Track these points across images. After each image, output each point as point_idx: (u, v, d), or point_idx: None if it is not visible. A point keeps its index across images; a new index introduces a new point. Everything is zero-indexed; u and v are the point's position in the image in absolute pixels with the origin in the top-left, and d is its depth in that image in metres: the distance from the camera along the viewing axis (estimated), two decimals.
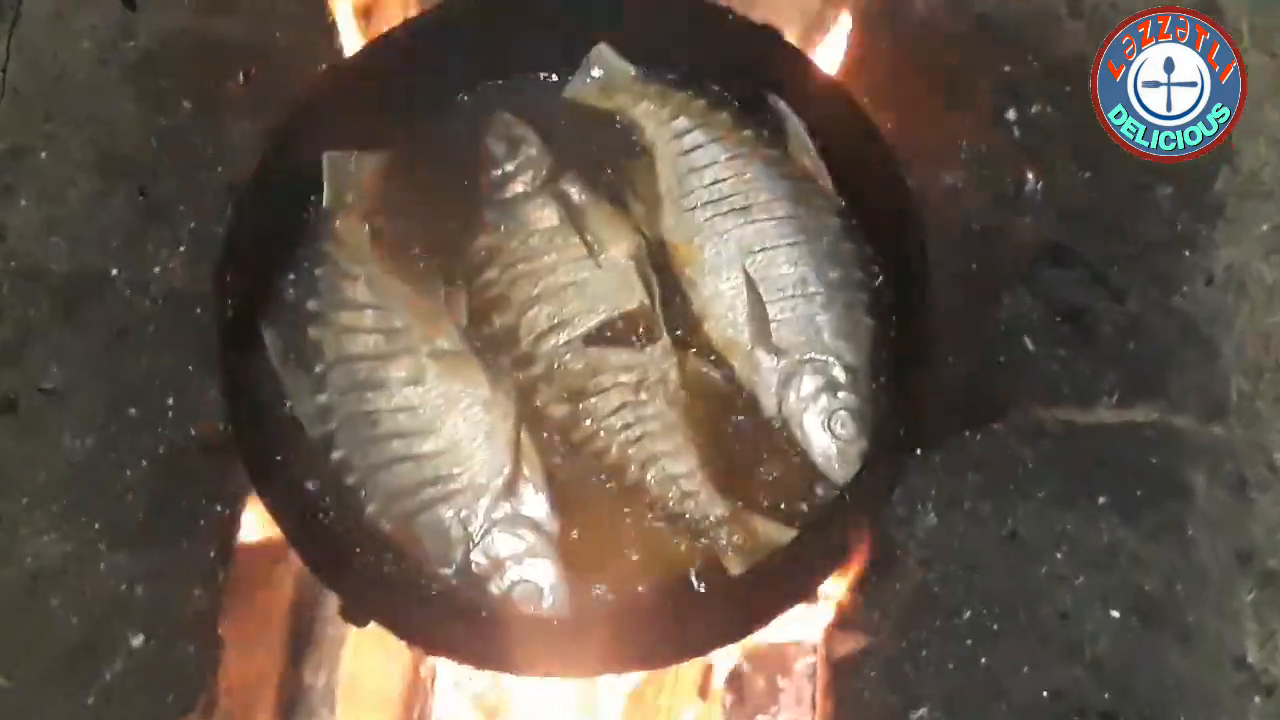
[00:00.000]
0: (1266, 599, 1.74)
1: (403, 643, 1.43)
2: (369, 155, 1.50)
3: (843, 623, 1.51)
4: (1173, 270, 1.64)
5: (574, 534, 1.35)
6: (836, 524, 1.35)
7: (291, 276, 1.45)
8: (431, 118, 1.54)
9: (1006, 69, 1.73)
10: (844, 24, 1.79)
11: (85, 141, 1.69)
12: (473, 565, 1.32)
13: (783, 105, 1.50)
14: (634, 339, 1.40)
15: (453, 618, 1.33)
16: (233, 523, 1.52)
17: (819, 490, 1.37)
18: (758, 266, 1.42)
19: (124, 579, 1.50)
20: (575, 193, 1.47)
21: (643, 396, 1.38)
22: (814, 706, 1.58)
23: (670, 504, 1.35)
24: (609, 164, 1.51)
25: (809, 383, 1.38)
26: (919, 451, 1.46)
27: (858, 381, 1.39)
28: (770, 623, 1.48)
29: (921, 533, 1.53)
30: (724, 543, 1.33)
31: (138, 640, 1.48)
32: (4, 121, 1.70)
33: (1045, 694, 1.47)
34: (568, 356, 1.40)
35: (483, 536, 1.32)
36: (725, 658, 1.62)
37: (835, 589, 1.52)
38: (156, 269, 1.63)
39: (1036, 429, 1.57)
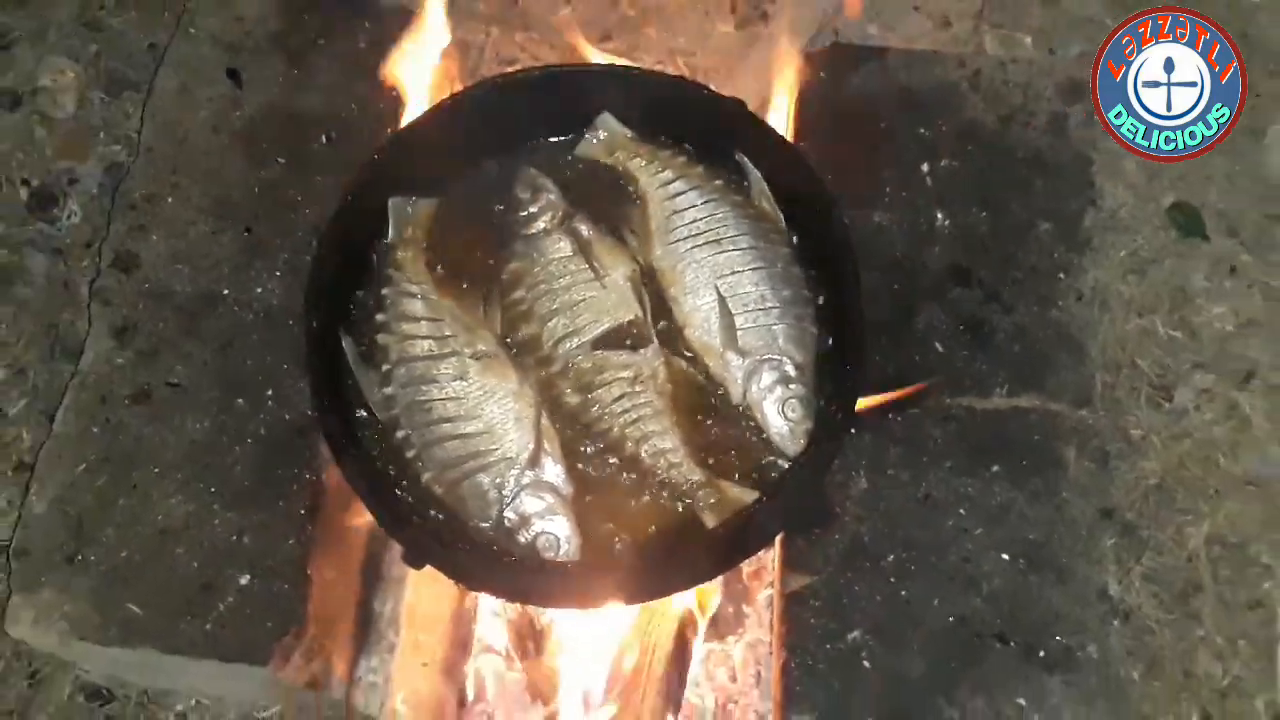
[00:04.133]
0: (1124, 545, 1.78)
1: (451, 581, 1.43)
2: (424, 201, 1.50)
3: (793, 564, 1.50)
4: (1051, 289, 1.63)
5: (584, 496, 1.35)
6: (789, 488, 1.35)
7: (363, 295, 1.45)
8: (473, 171, 1.53)
9: (922, 131, 1.73)
10: (795, 96, 1.79)
11: (203, 190, 1.68)
12: (505, 520, 1.32)
13: (746, 161, 1.50)
14: (630, 343, 1.40)
15: (490, 561, 1.33)
16: (319, 487, 1.52)
17: (775, 461, 1.37)
18: (727, 286, 1.41)
19: (234, 531, 1.50)
20: (584, 229, 1.46)
21: (638, 389, 1.37)
22: (771, 629, 1.58)
23: (660, 472, 1.35)
24: (610, 207, 1.51)
25: (767, 377, 1.37)
26: (853, 431, 1.47)
27: (805, 376, 1.38)
28: (739, 564, 1.53)
29: (855, 494, 1.52)
30: (701, 503, 1.33)
31: (245, 579, 1.48)
32: (139, 174, 1.70)
33: (951, 619, 1.47)
34: (579, 357, 1.39)
35: (513, 498, 1.32)
36: (703, 592, 1.61)
37: (789, 537, 1.52)
38: (258, 290, 1.63)
39: (944, 414, 1.56)
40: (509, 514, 1.31)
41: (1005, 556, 1.49)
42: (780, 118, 1.77)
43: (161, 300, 1.62)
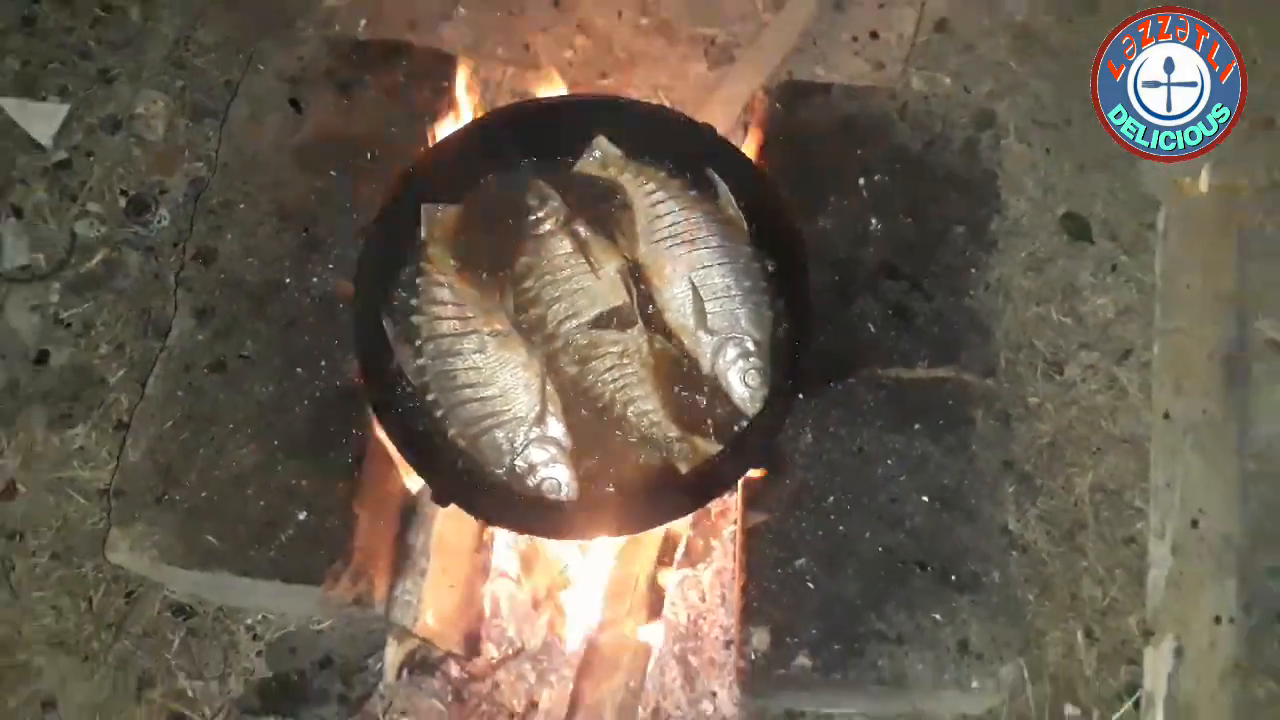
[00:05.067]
0: (1022, 491, 1.78)
1: (472, 518, 1.44)
2: (451, 206, 1.50)
3: (752, 504, 1.50)
4: (963, 282, 1.62)
5: (581, 448, 1.35)
6: (748, 442, 1.36)
7: (401, 283, 1.45)
8: (491, 182, 1.53)
9: (859, 152, 1.71)
10: (756, 122, 1.79)
11: (269, 198, 1.67)
12: (516, 468, 1.32)
13: (716, 175, 1.50)
14: (619, 324, 1.40)
15: (504, 501, 1.34)
16: (364, 441, 1.51)
17: (737, 420, 1.38)
18: (699, 278, 1.41)
19: (294, 477, 1.50)
20: (582, 231, 1.47)
21: (625, 361, 1.38)
22: (733, 558, 1.58)
23: (642, 429, 1.36)
24: (604, 212, 1.50)
25: (731, 351, 1.38)
26: (801, 396, 1.47)
27: (762, 351, 1.39)
28: (707, 504, 1.53)
29: (803, 448, 1.52)
30: (677, 454, 1.34)
31: (303, 516, 1.48)
32: (217, 185, 1.69)
33: (880, 550, 1.47)
34: (578, 335, 1.40)
35: (523, 450, 1.32)
36: (678, 527, 1.63)
37: (749, 482, 1.52)
38: (314, 280, 1.61)
39: (876, 382, 1.56)
40: (519, 463, 1.32)
41: (925, 498, 1.49)
42: (744, 140, 1.78)
43: (235, 288, 1.61)
